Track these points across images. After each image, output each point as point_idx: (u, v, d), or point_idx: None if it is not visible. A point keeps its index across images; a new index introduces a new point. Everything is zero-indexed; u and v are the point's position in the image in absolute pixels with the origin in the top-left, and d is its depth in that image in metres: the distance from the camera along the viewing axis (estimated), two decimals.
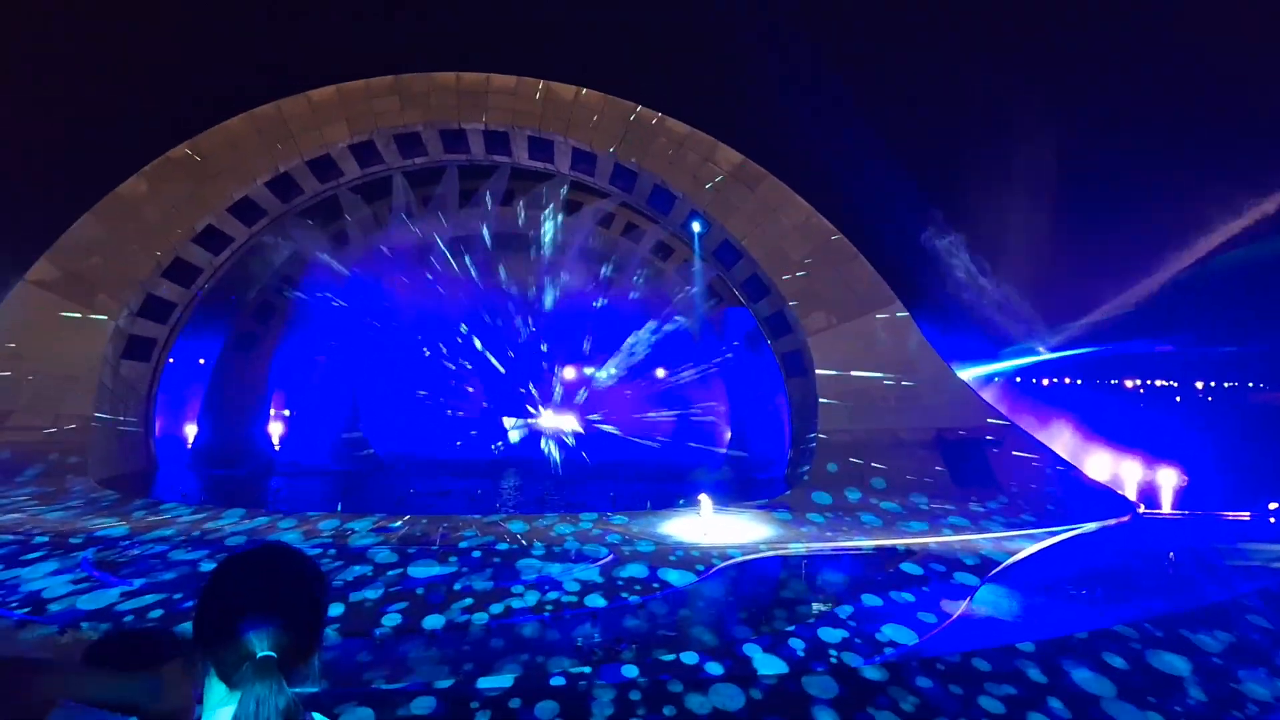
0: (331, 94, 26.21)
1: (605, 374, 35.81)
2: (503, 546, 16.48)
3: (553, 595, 13.09)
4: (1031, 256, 35.53)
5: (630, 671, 10.25)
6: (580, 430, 33.87)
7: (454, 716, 8.88)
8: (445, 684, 9.82)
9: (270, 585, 2.17)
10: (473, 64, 26.60)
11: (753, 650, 11.08)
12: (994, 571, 15.82)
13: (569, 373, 36.54)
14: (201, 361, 31.91)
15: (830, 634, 11.85)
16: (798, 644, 11.36)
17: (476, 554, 15.82)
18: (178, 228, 25.36)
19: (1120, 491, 23.21)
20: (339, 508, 19.94)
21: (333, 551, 15.65)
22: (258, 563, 2.24)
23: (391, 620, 11.88)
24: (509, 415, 34.62)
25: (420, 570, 14.55)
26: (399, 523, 18.50)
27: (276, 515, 18.97)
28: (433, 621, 11.93)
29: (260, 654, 2.06)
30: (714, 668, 10.40)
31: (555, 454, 32.10)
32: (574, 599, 13.29)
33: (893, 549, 17.70)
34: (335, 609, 12.09)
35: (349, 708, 8.91)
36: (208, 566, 14.55)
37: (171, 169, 25.57)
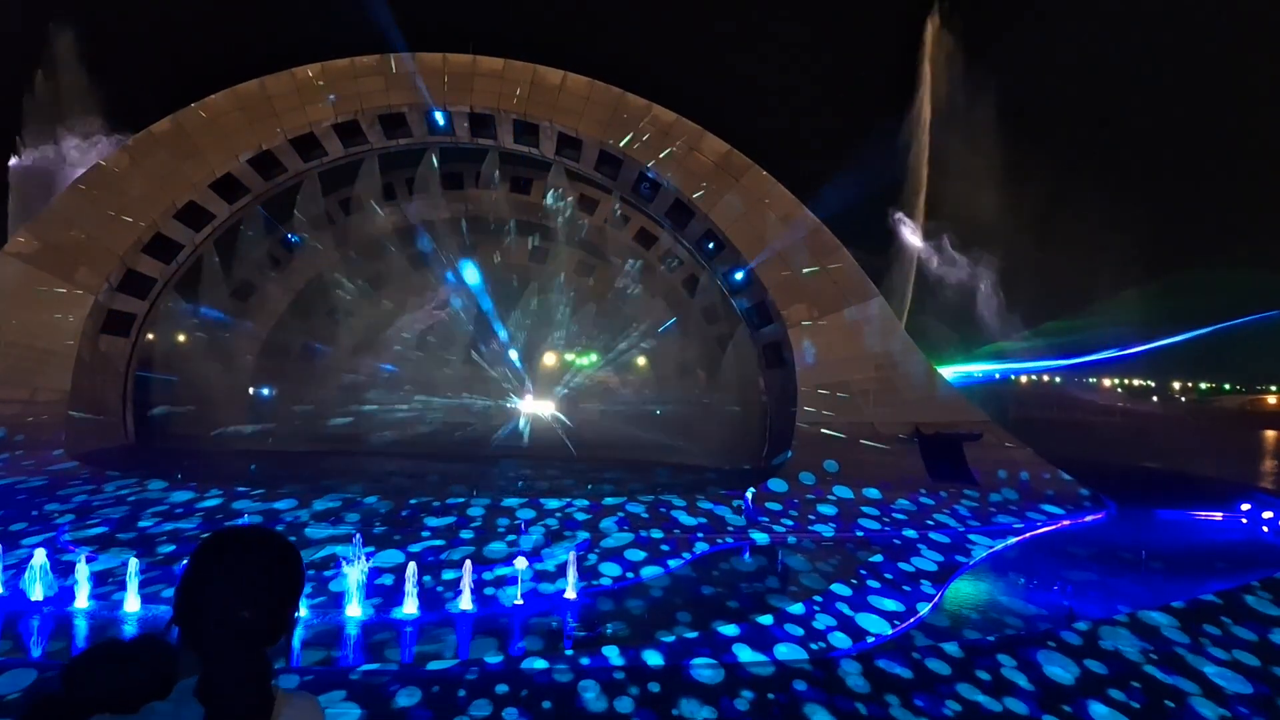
0: (316, 72, 26.02)
1: (586, 361, 35.91)
2: (469, 532, 16.51)
3: (523, 581, 13.12)
4: (1017, 255, 35.83)
5: (601, 660, 10.33)
6: (559, 416, 33.92)
7: (433, 704, 8.90)
8: (420, 670, 9.91)
9: (246, 567, 2.30)
10: (459, 46, 26.55)
11: (723, 638, 11.17)
12: (968, 565, 16.01)
13: (550, 358, 36.62)
14: (182, 339, 31.74)
15: (803, 622, 11.96)
16: (768, 632, 11.46)
17: (440, 540, 15.80)
18: (160, 203, 25.18)
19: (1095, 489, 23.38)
20: (308, 487, 19.77)
21: (292, 538, 15.49)
22: (234, 545, 2.37)
23: (357, 604, 11.90)
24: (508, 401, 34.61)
25: (387, 554, 14.53)
26: (366, 501, 18.50)
27: (232, 494, 18.74)
28: (401, 606, 11.98)
29: (234, 633, 2.20)
30: (684, 655, 10.48)
31: (531, 437, 32.14)
32: (546, 584, 13.38)
33: (866, 540, 17.90)
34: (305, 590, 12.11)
35: (323, 691, 8.96)
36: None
37: (154, 144, 25.37)
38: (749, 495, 19.79)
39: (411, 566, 12.30)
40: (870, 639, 11.58)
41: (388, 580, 12.99)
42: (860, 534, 18.51)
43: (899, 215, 33.62)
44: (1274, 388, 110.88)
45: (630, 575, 14.49)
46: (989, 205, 33.53)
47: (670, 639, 11.12)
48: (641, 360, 36.15)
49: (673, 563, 15.39)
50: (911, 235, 33.33)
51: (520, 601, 12.57)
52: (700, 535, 17.31)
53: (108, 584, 12.40)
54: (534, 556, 14.58)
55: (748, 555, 16.79)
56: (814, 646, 11.14)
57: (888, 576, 14.66)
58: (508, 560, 13.97)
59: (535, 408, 34.33)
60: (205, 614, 2.21)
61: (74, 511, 16.93)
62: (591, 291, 35.97)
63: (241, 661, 2.18)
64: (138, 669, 2.14)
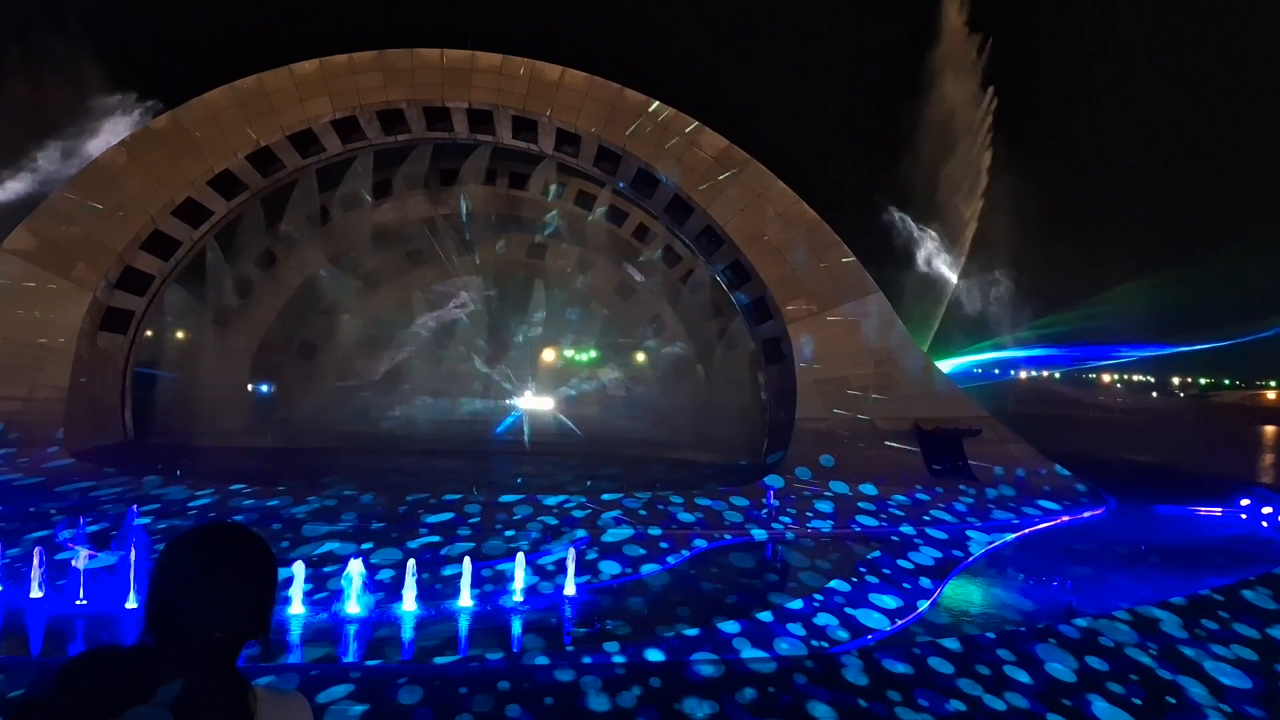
0: (314, 68, 25.93)
1: (586, 357, 35.90)
2: (466, 530, 16.48)
3: (521, 579, 13.08)
4: (1019, 250, 35.81)
5: (602, 656, 10.31)
6: (557, 412, 33.92)
7: (434, 701, 8.86)
8: (421, 666, 9.88)
9: (218, 566, 2.21)
10: (458, 41, 26.46)
11: (722, 635, 11.15)
12: (966, 561, 15.99)
13: (548, 354, 36.59)
14: (180, 335, 31.74)
15: (803, 619, 11.94)
16: (767, 629, 11.44)
17: (438, 537, 15.77)
18: (157, 200, 25.10)
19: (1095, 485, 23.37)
20: (305, 484, 19.71)
21: (287, 540, 15.36)
22: (205, 543, 2.27)
23: (352, 602, 11.86)
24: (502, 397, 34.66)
25: (384, 551, 14.50)
26: (363, 499, 18.47)
27: (227, 491, 18.76)
28: (400, 604, 11.95)
29: (206, 639, 2.13)
30: (685, 652, 10.47)
31: (531, 434, 32.14)
32: (545, 583, 13.35)
33: (864, 536, 17.88)
34: (302, 588, 12.06)
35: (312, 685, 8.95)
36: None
37: (152, 140, 25.29)
38: (772, 492, 19.76)
39: (411, 564, 12.27)
40: (870, 635, 11.57)
41: (386, 576, 12.97)
42: (857, 529, 18.50)
43: (903, 215, 33.58)
44: (1273, 383, 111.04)
45: (630, 571, 14.48)
46: (1006, 200, 33.63)
47: (670, 635, 11.11)
48: (641, 356, 36.10)
49: (672, 559, 15.38)
50: (938, 246, 33.27)
51: (520, 599, 12.56)
52: (698, 532, 17.29)
53: (104, 581, 12.37)
54: (533, 554, 14.54)
55: (747, 552, 16.76)
56: (814, 643, 11.12)
57: (886, 572, 14.65)
58: (508, 557, 13.94)
59: (535, 404, 34.32)
60: (192, 618, 2.13)
61: (68, 510, 16.84)
62: (592, 288, 35.95)
63: (222, 666, 2.13)
64: (136, 674, 2.10)
